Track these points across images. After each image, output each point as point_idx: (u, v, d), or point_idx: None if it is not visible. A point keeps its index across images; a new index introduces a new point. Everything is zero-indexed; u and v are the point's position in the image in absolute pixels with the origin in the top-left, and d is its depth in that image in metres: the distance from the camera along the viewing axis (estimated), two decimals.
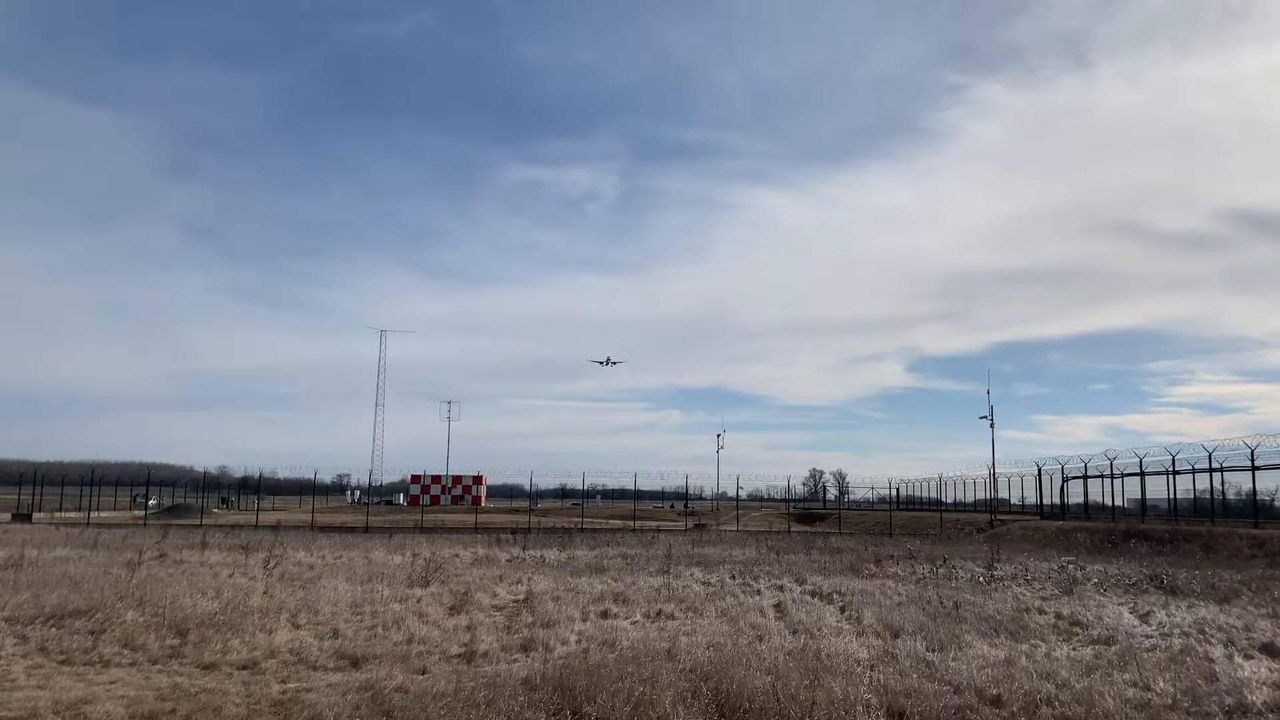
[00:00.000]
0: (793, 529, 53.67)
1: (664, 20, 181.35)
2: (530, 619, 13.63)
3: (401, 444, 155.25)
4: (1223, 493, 39.11)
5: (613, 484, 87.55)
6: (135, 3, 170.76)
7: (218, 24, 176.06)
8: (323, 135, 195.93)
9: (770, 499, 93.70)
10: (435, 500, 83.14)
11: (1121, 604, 16.79)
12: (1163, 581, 20.32)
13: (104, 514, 59.16)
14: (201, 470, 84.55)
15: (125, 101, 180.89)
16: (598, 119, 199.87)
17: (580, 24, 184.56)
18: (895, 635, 12.44)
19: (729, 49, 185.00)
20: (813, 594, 17.57)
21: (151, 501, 70.28)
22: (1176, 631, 13.51)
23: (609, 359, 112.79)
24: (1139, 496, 43.29)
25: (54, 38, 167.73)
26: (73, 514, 57.28)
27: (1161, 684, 9.59)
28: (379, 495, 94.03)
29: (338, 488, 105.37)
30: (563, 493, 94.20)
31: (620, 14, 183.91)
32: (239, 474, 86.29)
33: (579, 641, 11.79)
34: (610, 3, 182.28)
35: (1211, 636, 13.02)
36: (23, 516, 54.20)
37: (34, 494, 61.99)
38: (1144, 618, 14.99)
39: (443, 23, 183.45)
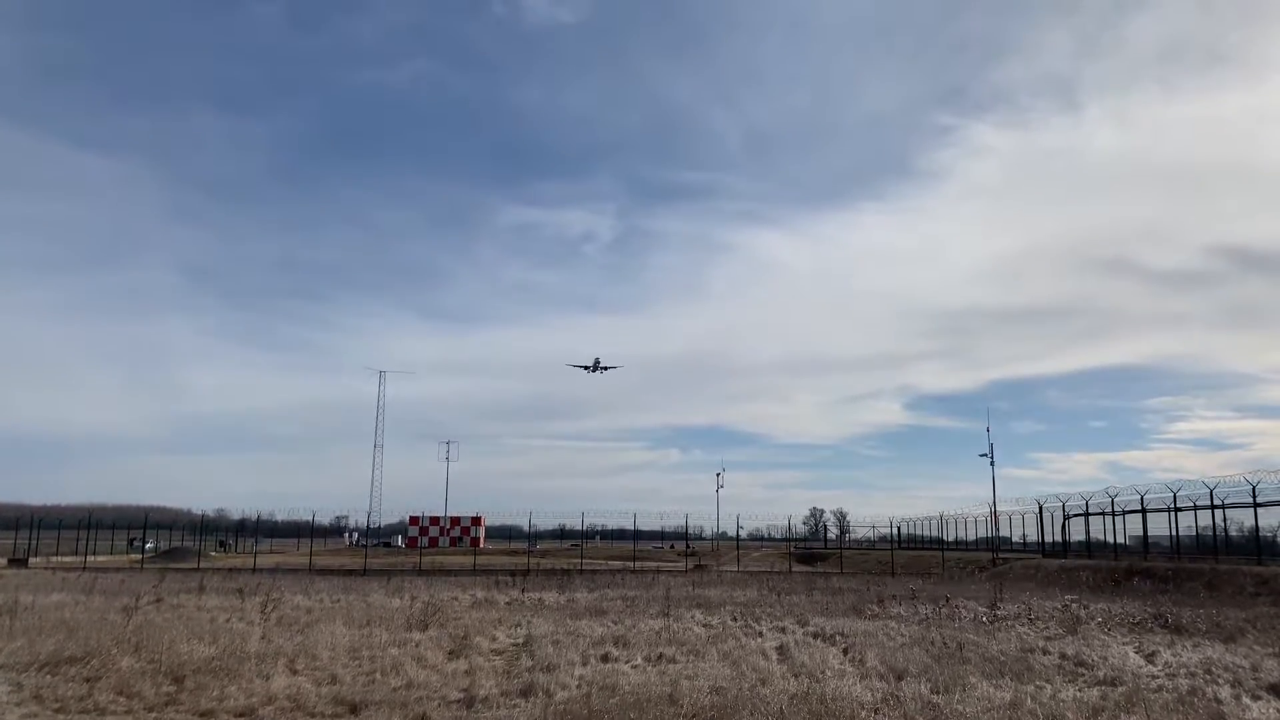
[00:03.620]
0: (794, 569, 53.27)
1: (659, 66, 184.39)
2: (530, 663, 13.49)
3: (400, 485, 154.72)
4: (1225, 530, 38.82)
5: (612, 524, 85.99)
6: (137, 49, 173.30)
7: (219, 70, 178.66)
8: (322, 179, 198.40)
9: (771, 538, 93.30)
10: (434, 542, 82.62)
11: (1126, 643, 16.64)
12: (1167, 620, 20.16)
13: (101, 558, 58.68)
14: (199, 513, 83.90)
15: (126, 147, 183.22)
16: (594, 161, 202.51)
17: (576, 70, 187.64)
18: (899, 677, 12.31)
19: (723, 93, 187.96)
20: (815, 635, 17.42)
21: (148, 545, 69.76)
22: (1183, 671, 13.39)
23: (597, 362, 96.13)
24: (1141, 534, 42.99)
25: (56, 84, 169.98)
26: (69, 558, 56.84)
27: None
28: (377, 537, 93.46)
29: (336, 530, 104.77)
30: (561, 533, 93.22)
31: (616, 60, 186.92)
32: (237, 516, 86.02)
33: (579, 686, 11.66)
34: (605, 49, 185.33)
35: (1218, 676, 12.91)
36: (19, 561, 53.76)
37: (30, 538, 61.54)
38: (1150, 657, 14.86)
39: (441, 69, 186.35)
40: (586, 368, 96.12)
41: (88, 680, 11.57)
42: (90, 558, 56.44)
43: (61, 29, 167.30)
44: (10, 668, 12.38)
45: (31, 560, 54.93)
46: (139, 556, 60.58)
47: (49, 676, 11.81)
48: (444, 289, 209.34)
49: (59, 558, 57.47)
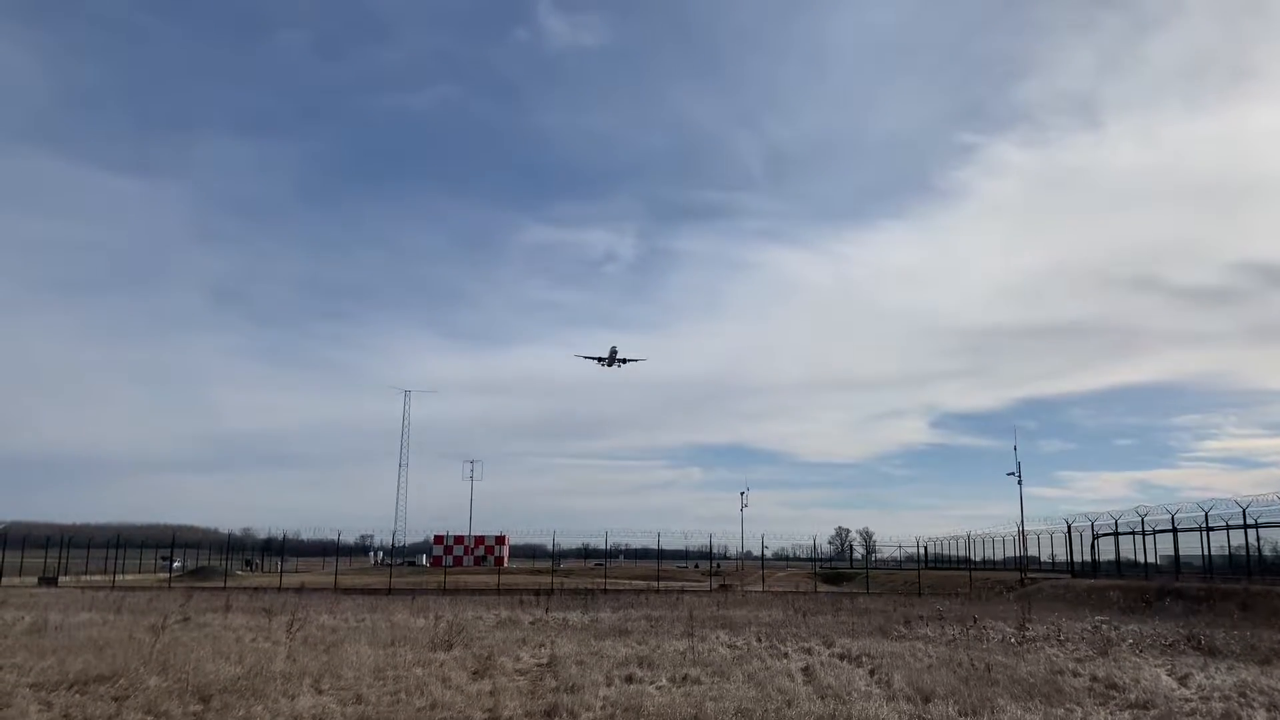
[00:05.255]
0: (819, 589, 52.91)
1: (679, 87, 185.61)
2: (554, 684, 13.45)
3: (424, 504, 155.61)
4: (1258, 549, 38.14)
5: (635, 543, 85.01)
6: (165, 75, 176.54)
7: (246, 97, 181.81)
8: (347, 202, 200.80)
9: (796, 558, 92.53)
10: (458, 561, 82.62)
11: (1159, 666, 16.37)
12: (1200, 642, 19.81)
13: (129, 577, 59.23)
14: (226, 532, 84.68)
15: (155, 170, 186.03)
16: (615, 182, 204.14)
17: (598, 92, 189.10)
18: (926, 699, 12.17)
19: (743, 113, 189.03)
20: (841, 657, 17.26)
21: (175, 564, 70.35)
22: (1217, 695, 13.14)
23: (614, 353, 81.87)
24: (1172, 553, 42.30)
25: (86, 111, 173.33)
26: (98, 577, 57.38)
27: None
28: (402, 556, 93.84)
29: (361, 549, 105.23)
30: (585, 552, 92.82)
31: (636, 82, 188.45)
32: (263, 535, 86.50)
33: (604, 707, 11.61)
34: (626, 72, 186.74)
35: (1253, 700, 12.67)
36: (48, 580, 54.40)
37: (60, 557, 62.25)
38: (1183, 680, 14.60)
39: (464, 93, 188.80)
40: (601, 359, 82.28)
41: (116, 699, 11.65)
42: (118, 576, 56.98)
43: (92, 57, 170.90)
44: (40, 686, 12.50)
45: (61, 579, 55.57)
46: (166, 575, 61.11)
47: (78, 695, 11.91)
48: (467, 309, 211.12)
49: (88, 576, 58.06)
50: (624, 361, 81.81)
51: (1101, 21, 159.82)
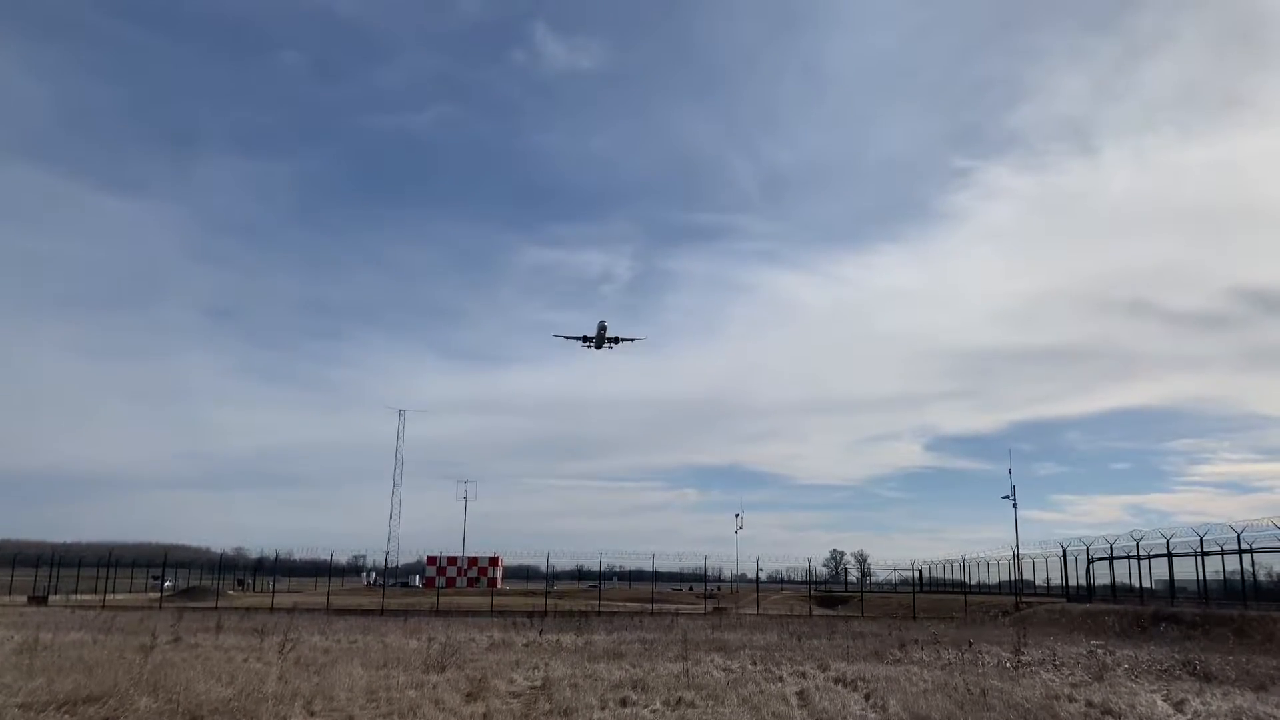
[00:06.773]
0: (814, 612, 52.70)
1: (676, 110, 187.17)
2: (548, 707, 13.37)
3: (418, 524, 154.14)
4: (1253, 575, 38.09)
5: (630, 565, 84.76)
6: (165, 95, 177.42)
7: (244, 116, 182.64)
8: (345, 221, 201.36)
9: (791, 581, 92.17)
10: (451, 582, 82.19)
11: (1154, 691, 16.31)
12: (1196, 667, 19.76)
13: (120, 596, 58.82)
14: (218, 551, 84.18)
15: (153, 190, 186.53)
16: (613, 203, 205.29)
17: (596, 114, 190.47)
18: None
19: (740, 136, 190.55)
20: (836, 681, 17.18)
21: (167, 583, 69.90)
22: None
23: (603, 331, 68.56)
24: (1167, 578, 42.22)
25: (84, 128, 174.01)
26: (89, 596, 57.02)
27: None
28: (395, 577, 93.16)
29: (354, 569, 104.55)
30: (579, 574, 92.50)
31: (634, 104, 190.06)
32: (255, 555, 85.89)
33: None
34: (625, 94, 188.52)
35: None
36: (39, 599, 54.01)
37: (50, 576, 61.88)
38: (1178, 706, 14.55)
39: (463, 113, 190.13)
40: (586, 340, 69.59)
41: None
42: (109, 596, 56.56)
43: (92, 76, 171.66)
44: (29, 707, 12.38)
45: (51, 598, 55.20)
46: (158, 595, 60.70)
47: (67, 716, 11.81)
48: (464, 329, 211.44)
49: (78, 595, 57.70)
50: (615, 341, 69.67)
51: (1095, 49, 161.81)
